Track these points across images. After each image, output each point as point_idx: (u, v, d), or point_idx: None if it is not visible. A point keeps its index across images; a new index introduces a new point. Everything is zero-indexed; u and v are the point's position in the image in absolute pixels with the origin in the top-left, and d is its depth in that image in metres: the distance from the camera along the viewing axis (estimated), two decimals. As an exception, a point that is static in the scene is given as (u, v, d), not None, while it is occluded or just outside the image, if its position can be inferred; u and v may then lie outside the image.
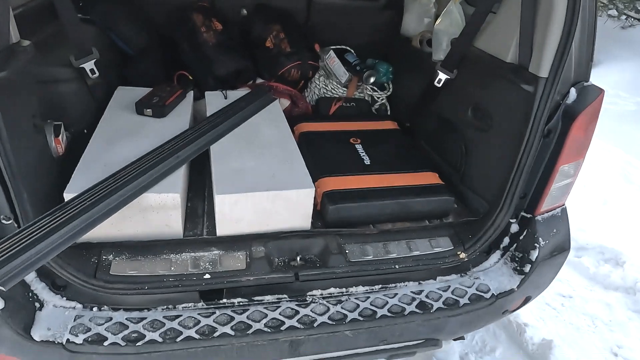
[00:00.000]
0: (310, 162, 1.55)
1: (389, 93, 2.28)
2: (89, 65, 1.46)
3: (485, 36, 1.57)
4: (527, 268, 1.47)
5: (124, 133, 1.50)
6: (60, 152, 1.44)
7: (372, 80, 2.22)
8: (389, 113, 2.27)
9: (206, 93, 1.89)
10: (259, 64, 2.12)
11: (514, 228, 1.54)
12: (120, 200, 1.23)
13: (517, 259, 1.52)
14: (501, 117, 1.49)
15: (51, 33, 1.42)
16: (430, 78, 1.81)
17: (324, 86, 2.20)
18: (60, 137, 1.42)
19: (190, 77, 2.00)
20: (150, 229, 1.32)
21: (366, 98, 2.26)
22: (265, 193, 1.34)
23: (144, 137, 1.50)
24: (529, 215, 1.52)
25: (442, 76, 1.72)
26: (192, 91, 1.89)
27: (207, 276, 1.29)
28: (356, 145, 1.78)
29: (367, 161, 1.69)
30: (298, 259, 1.37)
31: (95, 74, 1.50)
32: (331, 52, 2.22)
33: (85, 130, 1.57)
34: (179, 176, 1.36)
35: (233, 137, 1.60)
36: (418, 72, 2.06)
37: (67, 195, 1.22)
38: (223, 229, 1.37)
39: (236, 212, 1.35)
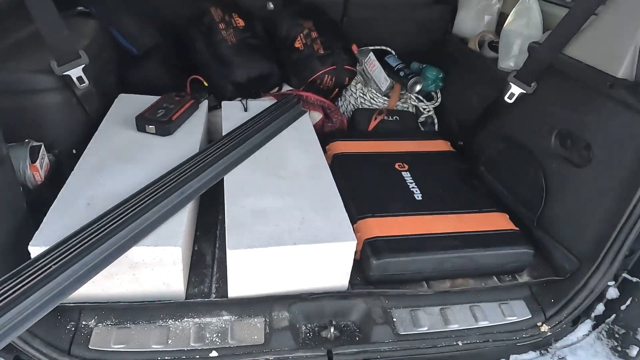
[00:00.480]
0: (347, 195, 1.23)
1: (437, 104, 1.93)
2: (75, 73, 1.17)
3: (583, 41, 1.20)
4: (634, 351, 1.12)
5: (118, 157, 1.20)
6: (38, 181, 1.15)
7: (417, 88, 1.87)
8: (436, 128, 1.92)
9: (223, 104, 1.58)
10: (287, 69, 1.80)
11: (612, 293, 1.19)
12: (103, 256, 0.94)
13: (616, 335, 1.16)
14: (605, 150, 1.13)
15: (28, 33, 1.14)
16: (493, 89, 1.46)
17: (361, 95, 1.86)
18: (38, 163, 1.13)
19: (205, 83, 1.69)
20: (143, 288, 1.03)
21: (410, 109, 1.91)
22: (292, 248, 1.02)
23: (143, 164, 1.20)
24: (634, 279, 1.16)
25: (516, 90, 1.37)
26: (206, 100, 1.58)
27: (214, 354, 0.99)
28: (403, 173, 1.44)
29: (418, 195, 1.35)
30: (332, 329, 1.06)
31: (84, 82, 1.20)
32: (371, 54, 1.87)
33: (74, 151, 1.28)
34: (182, 220, 1.05)
35: (253, 162, 1.28)
36: (476, 81, 1.71)
37: (34, 250, 0.93)
38: (236, 289, 1.06)
39: (253, 270, 1.04)
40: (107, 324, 1.02)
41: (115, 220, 0.98)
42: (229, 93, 1.70)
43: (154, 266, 0.99)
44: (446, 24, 1.98)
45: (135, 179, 1.13)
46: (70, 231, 0.95)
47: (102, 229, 0.96)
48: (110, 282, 1.00)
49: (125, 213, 1.00)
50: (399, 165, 1.48)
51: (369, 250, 1.15)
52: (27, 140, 1.15)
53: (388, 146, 1.59)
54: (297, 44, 1.76)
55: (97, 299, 1.01)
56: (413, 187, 1.38)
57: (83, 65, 1.18)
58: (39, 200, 1.13)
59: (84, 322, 1.01)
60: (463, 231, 1.23)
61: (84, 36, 1.37)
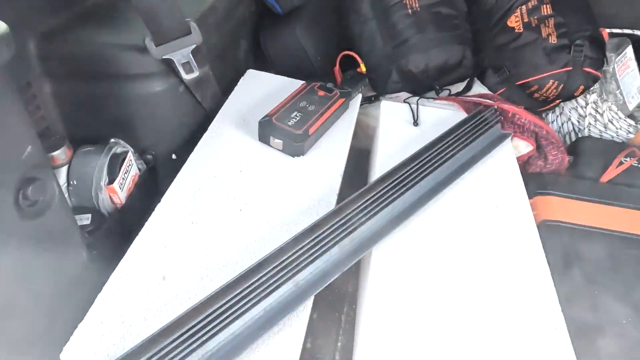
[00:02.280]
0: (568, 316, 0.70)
1: None
2: (180, 57, 0.76)
3: None
4: None
5: (219, 190, 0.80)
6: (117, 204, 0.82)
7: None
8: None
9: (382, 105, 1.08)
10: (485, 57, 1.20)
11: None
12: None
13: None
14: None
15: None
16: None
17: (594, 113, 1.19)
18: (117, 183, 0.79)
19: (362, 66, 1.19)
20: None
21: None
22: None
23: (255, 206, 0.78)
24: None
25: None
26: (359, 95, 1.10)
27: None
28: (671, 290, 0.82)
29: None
30: None
31: (192, 72, 0.79)
32: (629, 48, 1.16)
33: (173, 156, 0.93)
34: (300, 333, 0.63)
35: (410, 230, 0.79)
36: None
37: (67, 357, 0.59)
38: None
39: None
40: None
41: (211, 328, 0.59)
42: (391, 84, 1.19)
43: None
44: None
45: (241, 233, 0.73)
46: (124, 335, 0.60)
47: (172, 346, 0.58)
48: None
49: (229, 307, 0.60)
50: (663, 270, 0.85)
51: None
52: (110, 143, 0.81)
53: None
54: (513, 22, 1.14)
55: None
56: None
57: (193, 47, 0.76)
58: (119, 228, 0.81)
59: None
60: None
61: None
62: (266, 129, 0.89)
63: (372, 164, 1.01)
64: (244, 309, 0.59)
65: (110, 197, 0.79)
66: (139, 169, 0.87)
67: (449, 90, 1.20)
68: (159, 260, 0.68)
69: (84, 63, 0.79)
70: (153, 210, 0.75)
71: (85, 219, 0.76)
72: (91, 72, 0.79)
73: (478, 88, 1.20)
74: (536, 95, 1.13)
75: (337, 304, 0.86)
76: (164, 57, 0.76)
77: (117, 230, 0.80)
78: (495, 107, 1.01)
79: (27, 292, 0.59)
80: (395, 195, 0.79)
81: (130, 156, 0.82)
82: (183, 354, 0.54)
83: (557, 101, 1.15)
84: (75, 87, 0.78)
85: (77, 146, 0.80)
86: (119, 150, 0.81)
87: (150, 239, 0.71)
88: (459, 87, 1.23)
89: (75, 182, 0.75)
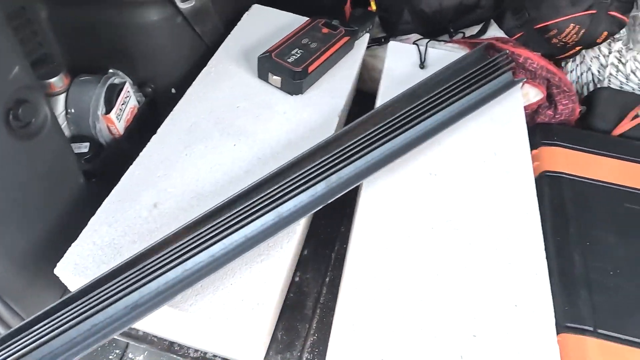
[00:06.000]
0: (558, 266, 0.72)
1: None
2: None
3: None
4: None
5: (216, 124, 0.81)
6: (115, 134, 0.84)
7: None
8: None
9: (390, 46, 1.03)
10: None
11: None
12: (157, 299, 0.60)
13: None
14: None
15: None
16: None
17: (616, 62, 1.12)
18: (114, 112, 0.80)
19: (373, 5, 1.14)
20: (208, 339, 0.70)
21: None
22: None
23: (250, 141, 0.79)
24: None
25: None
26: (367, 34, 1.06)
27: None
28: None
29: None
30: None
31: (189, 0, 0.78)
32: (663, -7, 1.07)
33: (173, 90, 0.93)
34: (287, 255, 0.65)
35: (404, 168, 0.78)
36: None
37: (61, 274, 0.63)
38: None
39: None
40: (156, 368, 0.74)
41: (194, 242, 0.61)
42: (403, 25, 1.14)
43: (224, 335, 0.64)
44: None
45: (233, 167, 0.74)
46: (114, 256, 0.63)
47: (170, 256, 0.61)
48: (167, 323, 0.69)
49: (212, 230, 0.62)
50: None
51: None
52: (108, 74, 0.81)
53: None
54: (537, -41, 1.05)
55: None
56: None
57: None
58: (117, 158, 0.83)
59: (130, 356, 0.75)
60: None
61: None
62: (265, 65, 0.88)
63: (375, 106, 0.99)
64: (224, 233, 0.61)
65: (108, 127, 0.81)
66: (138, 102, 0.87)
67: (463, 33, 1.15)
68: (152, 188, 0.70)
69: (78, -13, 0.77)
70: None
71: (84, 147, 0.78)
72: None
73: (494, 32, 1.14)
74: (555, 40, 1.06)
75: (328, 243, 0.88)
76: (156, -17, 0.74)
77: (116, 160, 0.82)
78: (507, 50, 0.96)
79: (23, 209, 0.62)
80: (388, 135, 0.77)
81: (128, 87, 0.82)
82: (161, 270, 0.57)
83: (577, 48, 1.09)
84: (70, 13, 0.77)
85: (77, 75, 0.80)
86: (116, 80, 0.81)
87: (143, 168, 0.73)
88: (475, 30, 1.16)
89: (72, 110, 0.77)
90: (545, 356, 0.59)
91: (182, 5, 0.79)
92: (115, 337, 0.73)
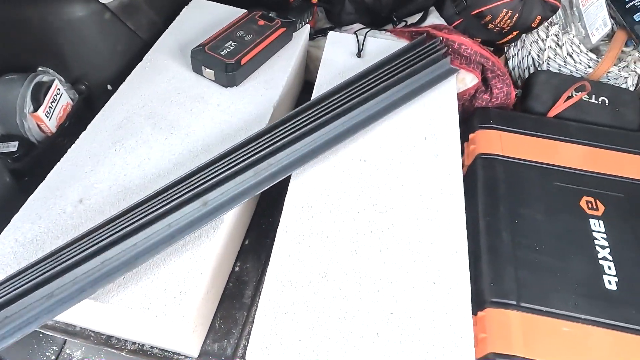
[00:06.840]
0: (487, 244, 0.75)
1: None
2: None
3: None
4: None
5: (148, 117, 0.81)
6: (47, 132, 0.83)
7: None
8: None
9: (330, 34, 1.05)
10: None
11: None
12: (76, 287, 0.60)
13: None
14: None
15: None
16: None
17: (553, 44, 1.15)
18: (42, 110, 0.80)
19: (314, -4, 1.15)
20: (143, 329, 0.71)
21: (631, 83, 1.16)
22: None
23: (182, 134, 0.79)
24: None
25: None
26: (307, 26, 1.07)
27: None
28: (592, 222, 0.84)
29: (610, 281, 0.77)
30: None
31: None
32: (595, -23, 1.10)
33: (109, 87, 0.93)
34: (217, 243, 0.66)
35: (339, 157, 0.80)
36: None
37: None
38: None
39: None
40: (93, 362, 0.75)
41: (116, 231, 0.62)
42: (346, 15, 1.15)
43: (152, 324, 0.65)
44: None
45: (163, 160, 0.75)
46: (36, 252, 0.63)
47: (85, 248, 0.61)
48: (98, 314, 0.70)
49: (134, 220, 0.63)
50: (587, 202, 0.87)
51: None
52: (38, 71, 0.81)
53: (579, 157, 0.95)
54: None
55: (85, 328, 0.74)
56: (604, 260, 0.79)
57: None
58: (51, 155, 0.82)
59: (67, 352, 0.76)
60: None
61: None
62: (198, 59, 0.88)
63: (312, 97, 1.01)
64: (146, 221, 0.62)
65: (38, 125, 0.80)
66: (72, 99, 0.87)
67: (406, 22, 1.16)
68: (78, 184, 0.71)
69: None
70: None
71: (12, 146, 0.78)
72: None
73: (435, 19, 1.15)
74: (491, 26, 1.09)
75: (269, 232, 0.89)
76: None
77: (50, 158, 0.82)
78: (441, 37, 0.98)
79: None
80: (320, 124, 0.79)
81: (58, 85, 0.82)
82: (77, 259, 0.57)
83: (515, 33, 1.11)
84: (-8, 10, 0.76)
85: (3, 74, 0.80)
86: (45, 78, 0.80)
87: (71, 164, 0.73)
88: (417, 18, 1.18)
89: (-2, 110, 0.76)
90: (459, 330, 0.61)
91: (104, 0, 0.79)
92: (52, 334, 0.74)
